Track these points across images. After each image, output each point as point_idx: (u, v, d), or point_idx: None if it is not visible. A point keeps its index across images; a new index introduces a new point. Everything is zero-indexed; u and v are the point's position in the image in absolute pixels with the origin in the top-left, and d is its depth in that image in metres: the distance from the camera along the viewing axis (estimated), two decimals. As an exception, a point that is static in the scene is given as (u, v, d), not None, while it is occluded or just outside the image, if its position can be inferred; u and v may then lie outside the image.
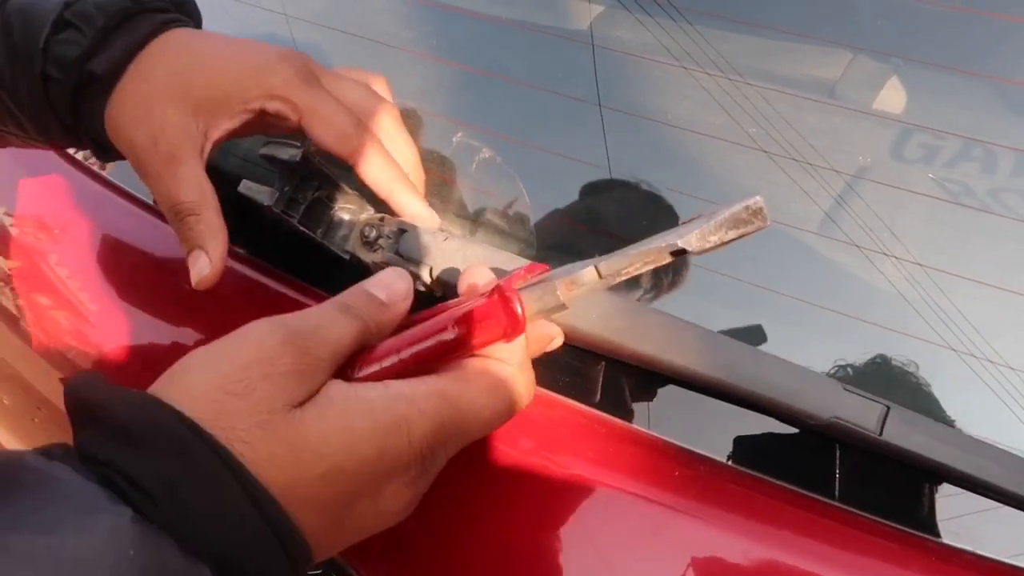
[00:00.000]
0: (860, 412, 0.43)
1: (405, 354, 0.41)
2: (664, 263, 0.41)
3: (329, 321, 0.41)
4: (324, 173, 0.51)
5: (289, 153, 0.49)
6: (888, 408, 0.43)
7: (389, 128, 0.55)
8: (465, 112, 0.65)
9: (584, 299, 0.45)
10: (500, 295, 0.40)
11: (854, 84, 0.63)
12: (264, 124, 0.54)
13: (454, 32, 0.70)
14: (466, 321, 0.40)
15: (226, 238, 0.51)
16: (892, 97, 0.62)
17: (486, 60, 0.67)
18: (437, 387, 0.41)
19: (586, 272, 0.41)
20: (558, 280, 0.41)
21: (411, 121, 0.64)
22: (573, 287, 0.41)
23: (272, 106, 0.52)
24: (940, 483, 0.43)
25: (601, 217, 0.58)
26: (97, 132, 0.56)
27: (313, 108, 0.52)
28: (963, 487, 0.43)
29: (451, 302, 0.44)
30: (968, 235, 0.55)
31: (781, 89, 0.60)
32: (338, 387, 0.40)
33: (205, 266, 0.50)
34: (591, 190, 0.59)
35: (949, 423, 0.48)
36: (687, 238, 0.39)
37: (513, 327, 0.40)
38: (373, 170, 0.52)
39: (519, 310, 0.40)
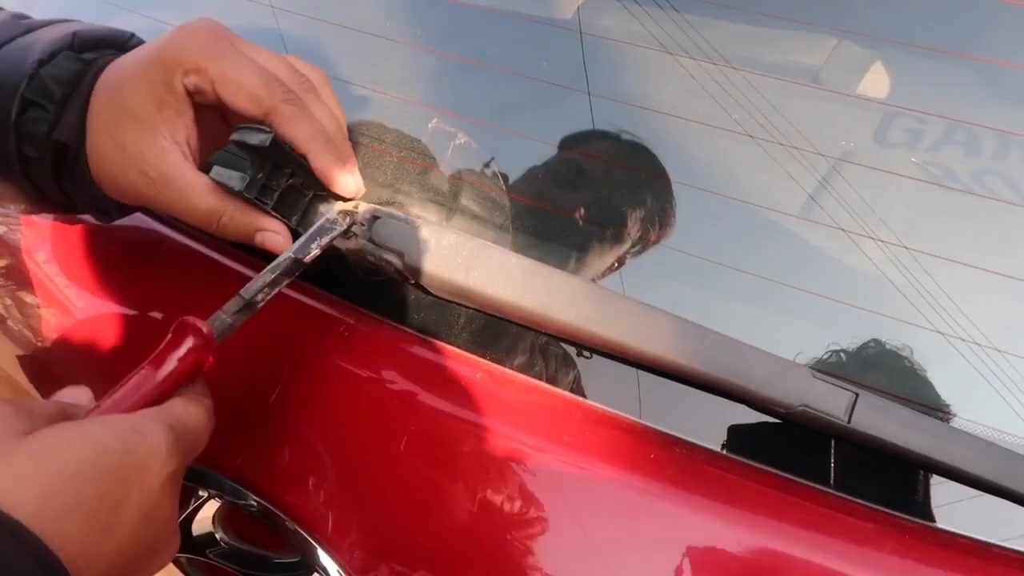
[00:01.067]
0: (829, 399, 0.43)
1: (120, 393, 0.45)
2: (294, 272, 0.51)
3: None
4: (297, 159, 0.51)
5: (259, 138, 0.49)
6: (857, 395, 0.43)
7: (312, 90, 0.54)
8: (447, 100, 0.65)
9: (551, 286, 0.46)
10: (179, 328, 0.47)
11: (838, 69, 0.63)
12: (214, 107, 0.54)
13: (437, 20, 0.70)
14: (158, 359, 0.46)
15: (262, 210, 0.52)
16: (876, 82, 0.62)
17: (469, 48, 0.67)
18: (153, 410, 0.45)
19: (230, 304, 0.49)
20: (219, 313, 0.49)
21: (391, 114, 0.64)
22: (223, 315, 0.49)
23: (189, 81, 0.52)
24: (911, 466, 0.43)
25: (577, 203, 0.58)
26: (95, 197, 0.56)
27: (223, 72, 0.51)
28: (932, 473, 0.43)
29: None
30: (951, 217, 0.55)
31: (766, 74, 0.60)
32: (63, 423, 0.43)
33: (271, 238, 0.53)
34: (566, 174, 0.59)
35: (933, 404, 0.48)
36: (296, 248, 0.51)
37: (204, 348, 0.47)
38: (287, 129, 0.51)
39: (204, 330, 0.47)
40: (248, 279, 0.50)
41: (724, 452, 0.48)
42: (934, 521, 0.45)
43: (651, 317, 0.47)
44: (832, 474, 0.46)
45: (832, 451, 0.46)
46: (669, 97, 0.62)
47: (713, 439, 0.49)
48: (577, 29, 0.66)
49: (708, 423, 0.49)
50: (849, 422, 0.42)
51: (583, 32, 0.66)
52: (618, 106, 0.62)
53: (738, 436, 0.49)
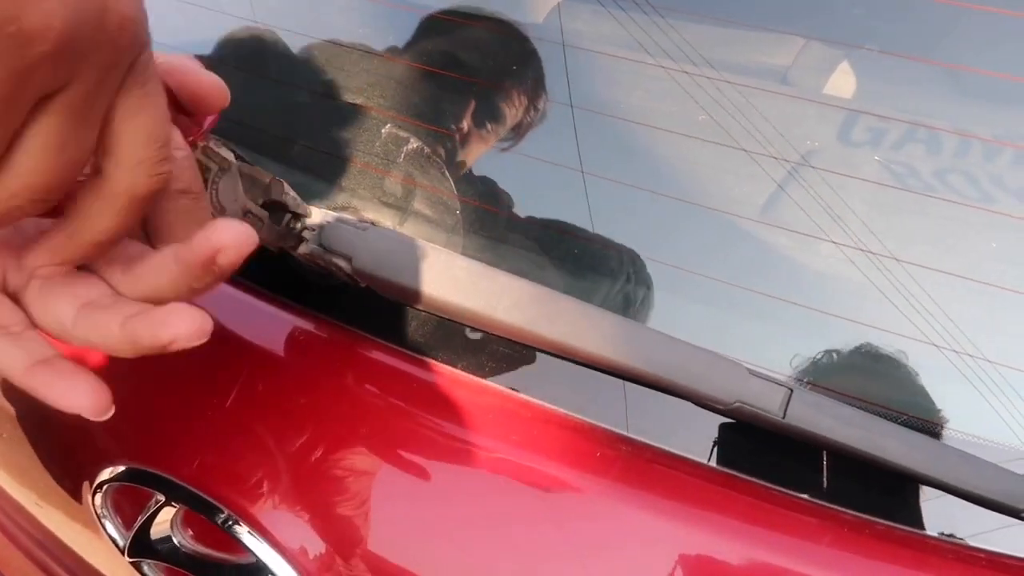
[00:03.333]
0: (764, 396, 0.43)
1: None
2: None
3: None
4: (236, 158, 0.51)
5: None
6: (791, 391, 0.43)
7: None
8: (402, 106, 0.65)
9: (495, 288, 0.46)
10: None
11: (806, 70, 0.63)
12: None
13: (403, 28, 0.70)
14: None
15: None
16: (842, 82, 0.62)
17: (435, 56, 0.68)
18: None
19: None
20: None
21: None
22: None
23: None
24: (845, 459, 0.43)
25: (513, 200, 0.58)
26: None
27: None
28: (867, 465, 0.42)
29: None
30: (913, 215, 0.55)
31: (733, 76, 0.60)
32: None
33: None
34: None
35: (899, 404, 0.47)
36: None
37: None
38: None
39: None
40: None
41: (671, 450, 0.48)
42: (878, 513, 0.45)
43: (592, 317, 0.47)
44: (784, 471, 0.46)
45: (788, 449, 0.46)
46: (637, 100, 0.63)
47: (665, 438, 0.49)
48: (543, 35, 0.67)
49: (660, 421, 0.49)
50: (784, 417, 0.42)
51: (548, 38, 0.66)
52: (582, 110, 0.63)
53: (691, 435, 0.49)
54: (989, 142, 0.55)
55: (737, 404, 0.43)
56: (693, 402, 0.45)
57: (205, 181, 0.46)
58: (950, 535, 0.43)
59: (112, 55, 0.28)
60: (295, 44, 0.71)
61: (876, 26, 0.60)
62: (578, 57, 0.66)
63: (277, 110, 0.66)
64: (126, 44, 0.28)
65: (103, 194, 0.31)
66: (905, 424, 0.47)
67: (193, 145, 0.45)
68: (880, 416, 0.47)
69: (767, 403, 0.43)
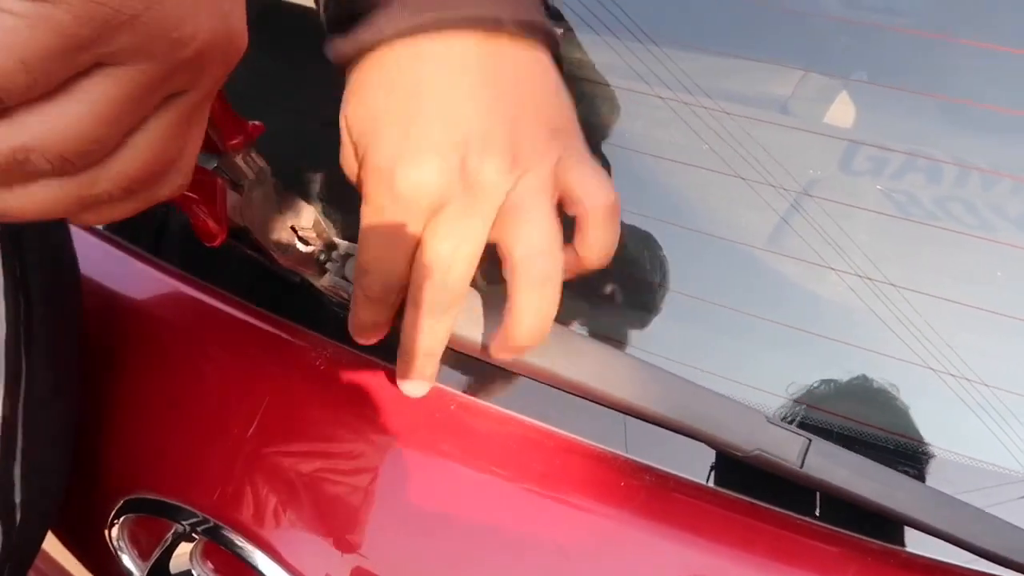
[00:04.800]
0: (782, 445, 0.45)
1: None
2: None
3: None
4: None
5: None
6: (810, 441, 0.44)
7: None
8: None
9: None
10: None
11: (805, 100, 0.64)
12: None
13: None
14: None
15: None
16: (842, 112, 0.63)
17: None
18: None
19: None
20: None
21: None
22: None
23: None
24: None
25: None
26: None
27: None
28: (881, 517, 0.44)
29: None
30: (915, 243, 0.56)
31: (732, 105, 0.62)
32: None
33: None
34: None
35: (898, 427, 0.49)
36: None
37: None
38: None
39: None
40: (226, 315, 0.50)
41: (695, 480, 0.49)
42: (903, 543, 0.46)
43: (611, 360, 0.48)
44: (809, 501, 0.48)
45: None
46: (639, 129, 0.64)
47: (686, 467, 0.50)
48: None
49: (684, 450, 0.50)
50: (802, 467, 0.44)
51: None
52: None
53: (713, 464, 0.50)
54: (987, 172, 0.57)
55: (756, 452, 0.45)
56: (714, 448, 0.47)
57: (240, 188, 0.47)
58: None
59: (223, 71, 0.32)
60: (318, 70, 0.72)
61: (872, 58, 0.62)
62: (581, 86, 0.67)
63: (302, 136, 0.66)
64: (232, 64, 0.32)
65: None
66: (905, 447, 0.49)
67: (235, 149, 0.45)
68: (880, 439, 0.48)
69: (786, 452, 0.44)
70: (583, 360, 0.48)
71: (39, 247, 0.53)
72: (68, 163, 0.28)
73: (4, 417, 0.51)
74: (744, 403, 0.47)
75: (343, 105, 0.45)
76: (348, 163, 0.46)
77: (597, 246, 0.45)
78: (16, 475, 0.52)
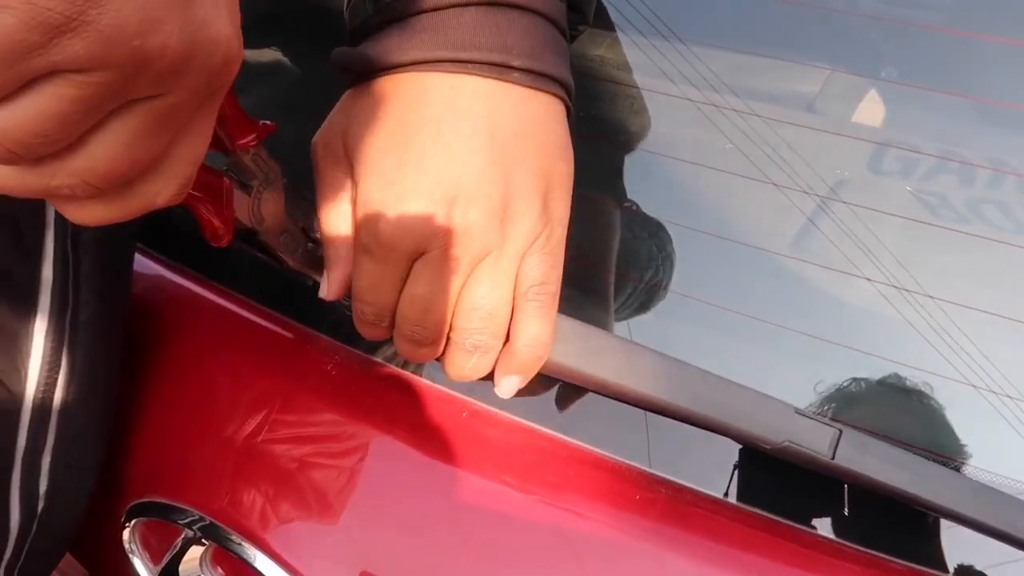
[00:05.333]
0: (812, 436, 0.43)
1: None
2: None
3: None
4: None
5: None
6: (840, 432, 0.43)
7: None
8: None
9: None
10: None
11: (833, 99, 0.63)
12: None
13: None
14: None
15: None
16: (871, 111, 0.61)
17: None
18: None
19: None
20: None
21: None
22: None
23: None
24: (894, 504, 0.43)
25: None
26: None
27: None
28: (916, 509, 0.42)
29: None
30: (946, 248, 0.54)
31: (758, 105, 0.60)
32: None
33: None
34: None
35: (930, 443, 0.47)
36: None
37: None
38: None
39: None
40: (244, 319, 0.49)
41: (709, 493, 0.48)
42: (927, 563, 0.44)
43: (635, 354, 0.47)
44: (826, 516, 0.46)
45: (834, 495, 0.46)
46: (663, 129, 0.62)
47: (702, 480, 0.48)
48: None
49: (701, 464, 0.49)
50: (833, 458, 0.42)
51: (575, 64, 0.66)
52: (607, 142, 0.63)
53: (730, 478, 0.48)
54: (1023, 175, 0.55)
55: (785, 443, 0.43)
56: (740, 442, 0.45)
57: (248, 188, 0.46)
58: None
59: (205, 83, 0.31)
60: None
61: (902, 56, 0.60)
62: (605, 87, 0.65)
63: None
64: (220, 79, 0.32)
65: (127, 190, 0.33)
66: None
67: (244, 149, 0.45)
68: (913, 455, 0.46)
69: (816, 443, 0.42)
70: (607, 357, 0.47)
71: (95, 250, 0.54)
72: (14, 155, 0.28)
73: (35, 407, 0.52)
74: (770, 395, 0.45)
75: (339, 116, 0.46)
76: (331, 174, 0.47)
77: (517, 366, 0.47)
78: (44, 465, 0.54)
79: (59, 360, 0.53)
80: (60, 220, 0.52)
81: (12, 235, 0.51)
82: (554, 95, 0.45)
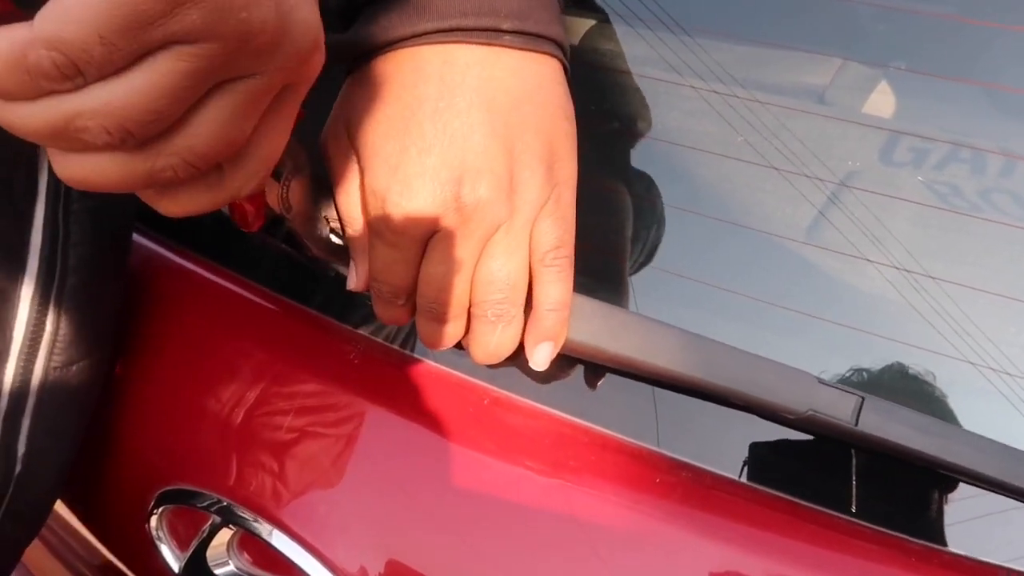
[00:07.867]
0: (835, 404, 0.43)
1: None
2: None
3: None
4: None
5: None
6: (863, 399, 0.43)
7: None
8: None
9: None
10: None
11: (843, 89, 0.63)
12: None
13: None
14: None
15: None
16: (881, 101, 0.62)
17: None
18: None
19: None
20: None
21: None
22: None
23: None
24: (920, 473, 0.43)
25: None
26: None
27: None
28: (941, 474, 0.43)
29: None
30: (957, 236, 0.55)
31: (768, 96, 0.60)
32: None
33: None
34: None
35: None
36: None
37: None
38: None
39: None
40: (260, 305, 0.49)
41: (732, 477, 0.48)
42: (945, 542, 0.45)
43: (656, 330, 0.48)
44: (848, 498, 0.47)
45: (852, 475, 0.47)
46: (674, 121, 0.63)
47: (722, 463, 0.49)
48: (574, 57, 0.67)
49: (718, 446, 0.50)
50: (856, 424, 0.42)
51: (582, 58, 0.67)
52: (620, 132, 0.63)
53: (750, 460, 0.49)
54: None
55: (809, 412, 0.43)
56: (764, 415, 0.45)
57: (278, 174, 0.47)
58: None
59: (295, 66, 0.33)
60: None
61: (912, 45, 0.60)
62: (616, 79, 0.66)
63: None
64: (307, 67, 0.33)
65: (209, 183, 0.35)
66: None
67: None
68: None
69: (839, 411, 0.43)
70: (627, 333, 0.47)
71: (87, 221, 0.55)
72: (128, 133, 0.29)
73: (17, 368, 0.53)
74: (791, 365, 0.45)
75: (341, 106, 0.46)
76: (342, 166, 0.47)
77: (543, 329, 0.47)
78: (23, 427, 0.55)
79: (43, 324, 0.54)
80: (52, 188, 0.53)
81: (8, 197, 0.51)
82: (549, 55, 0.45)
